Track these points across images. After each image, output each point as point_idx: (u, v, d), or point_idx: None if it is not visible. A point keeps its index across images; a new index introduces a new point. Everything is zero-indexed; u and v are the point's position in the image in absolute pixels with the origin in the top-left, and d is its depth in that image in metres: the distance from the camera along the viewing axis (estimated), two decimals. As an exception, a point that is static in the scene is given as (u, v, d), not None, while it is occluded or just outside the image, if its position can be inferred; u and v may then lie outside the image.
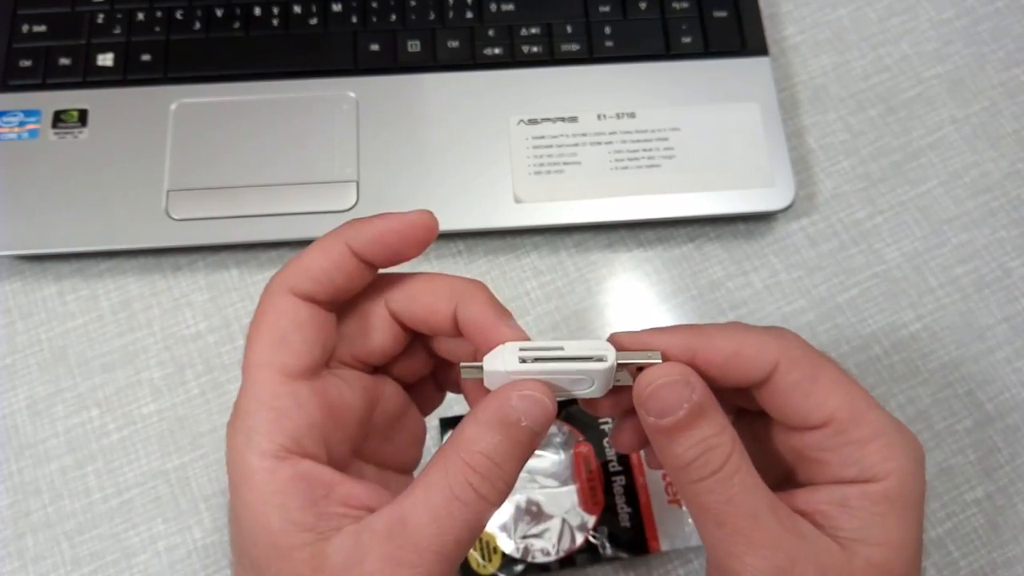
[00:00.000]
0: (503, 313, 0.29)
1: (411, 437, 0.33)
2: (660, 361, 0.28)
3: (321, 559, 0.25)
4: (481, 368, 0.28)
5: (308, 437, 0.26)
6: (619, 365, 0.28)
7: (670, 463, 0.27)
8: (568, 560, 0.42)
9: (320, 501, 0.25)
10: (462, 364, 0.28)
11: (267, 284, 0.28)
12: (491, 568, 0.42)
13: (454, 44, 0.52)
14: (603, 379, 0.28)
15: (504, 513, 0.43)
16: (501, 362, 0.27)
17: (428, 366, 0.33)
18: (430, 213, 0.28)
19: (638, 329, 0.30)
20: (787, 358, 0.28)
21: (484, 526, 0.26)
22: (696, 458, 0.26)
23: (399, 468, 0.33)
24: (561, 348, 0.27)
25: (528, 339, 0.28)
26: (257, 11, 0.53)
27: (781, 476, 0.31)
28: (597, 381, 0.28)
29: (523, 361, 0.27)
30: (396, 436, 0.32)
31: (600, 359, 0.27)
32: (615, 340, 0.28)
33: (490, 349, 0.28)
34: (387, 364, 0.31)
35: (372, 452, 0.31)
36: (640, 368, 0.28)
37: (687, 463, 0.27)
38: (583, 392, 0.28)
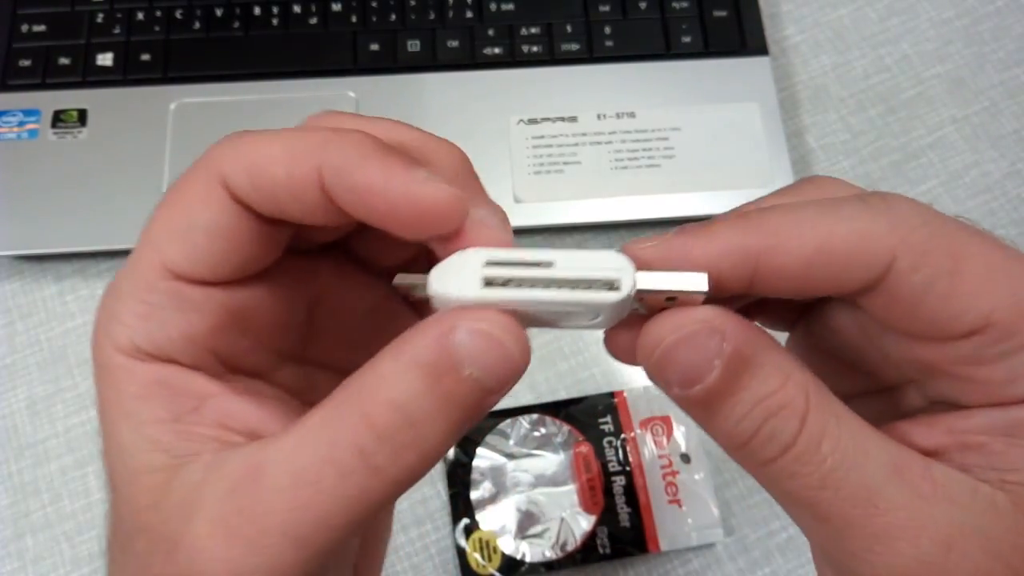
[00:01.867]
0: (455, 179, 0.20)
1: (388, 336, 0.25)
2: (704, 289, 0.19)
3: (163, 492, 0.19)
4: (424, 285, 0.19)
5: (182, 350, 0.20)
6: (639, 293, 0.19)
7: (723, 443, 0.20)
8: (568, 560, 0.42)
9: (185, 416, 0.19)
10: (397, 276, 0.21)
11: (203, 156, 0.20)
12: (491, 568, 0.42)
13: (454, 44, 0.52)
14: (613, 311, 0.19)
15: (504, 513, 0.43)
16: (456, 282, 0.18)
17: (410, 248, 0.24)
18: (458, 197, 0.19)
19: (668, 233, 0.20)
20: (908, 247, 0.18)
21: (382, 508, 0.19)
22: (755, 433, 0.19)
23: None
24: (551, 264, 0.19)
25: (504, 238, 0.19)
26: (257, 11, 0.53)
27: (882, 385, 0.22)
28: (603, 313, 0.19)
29: (489, 284, 0.18)
30: (364, 337, 0.24)
31: (611, 285, 0.19)
32: (635, 253, 0.19)
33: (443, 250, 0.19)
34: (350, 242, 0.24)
35: (326, 355, 0.24)
36: (672, 298, 0.19)
37: (744, 441, 0.19)
38: (581, 324, 0.20)
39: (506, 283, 0.19)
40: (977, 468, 0.19)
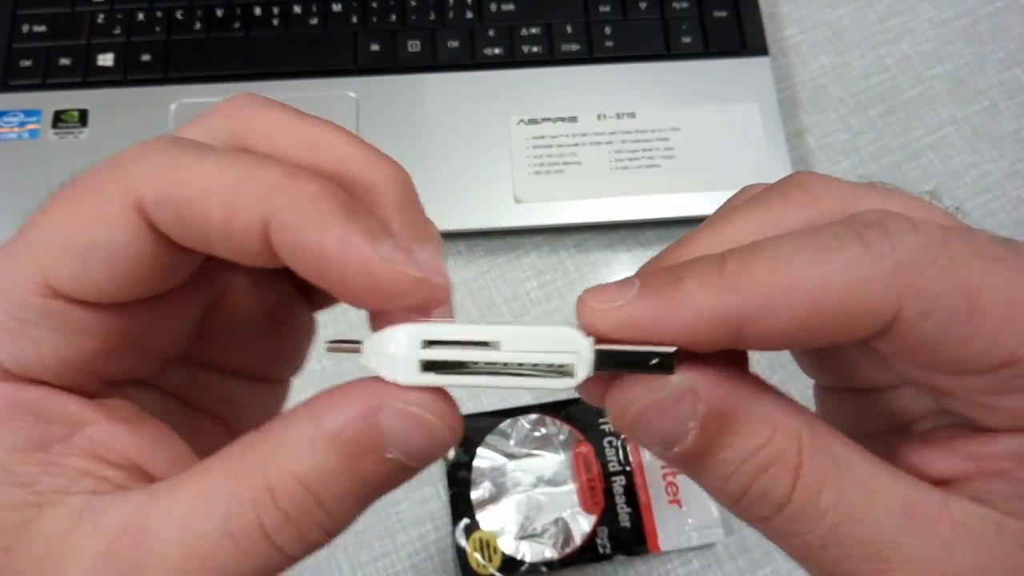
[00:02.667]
0: (404, 230, 0.18)
1: (285, 336, 0.23)
2: (670, 370, 0.17)
3: (20, 535, 0.16)
4: (359, 348, 0.18)
5: (56, 372, 0.18)
6: (600, 365, 0.17)
7: (717, 500, 0.18)
8: (568, 560, 0.42)
9: (52, 445, 0.17)
10: (327, 341, 0.19)
11: (117, 165, 0.18)
12: (491, 568, 0.42)
13: (454, 44, 0.52)
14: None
15: (504, 513, 0.43)
16: (389, 363, 0.17)
17: None
18: (420, 281, 0.17)
19: (631, 287, 0.17)
20: (915, 293, 0.16)
21: None
22: (745, 491, 0.17)
23: (264, 377, 0.24)
24: (497, 344, 0.17)
25: (442, 308, 0.18)
26: (257, 11, 0.53)
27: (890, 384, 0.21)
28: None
29: (428, 369, 0.17)
30: (259, 337, 0.23)
31: (563, 370, 0.17)
32: (594, 323, 0.17)
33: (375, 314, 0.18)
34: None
35: (216, 356, 0.22)
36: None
37: (735, 500, 0.17)
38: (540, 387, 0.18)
39: (446, 366, 0.17)
40: (1001, 497, 0.17)
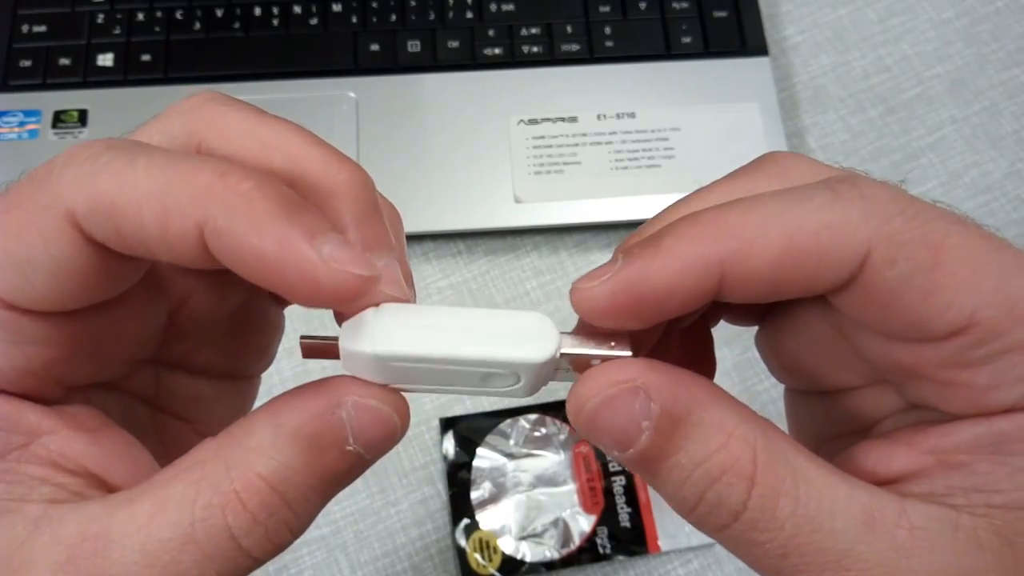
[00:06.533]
0: (364, 227, 0.18)
1: (252, 333, 0.23)
2: (628, 354, 0.18)
3: None
4: (335, 345, 0.18)
5: (13, 381, 0.18)
6: (564, 356, 0.18)
7: (674, 507, 0.18)
8: (568, 560, 0.42)
9: (10, 453, 0.17)
10: (302, 336, 0.18)
11: (42, 177, 0.17)
12: (491, 568, 0.42)
13: (454, 44, 0.52)
14: (533, 376, 0.19)
15: (504, 513, 0.43)
16: (370, 345, 0.17)
17: None
18: (363, 279, 0.16)
19: (615, 259, 0.18)
20: (883, 239, 0.17)
21: None
22: (700, 499, 0.17)
23: (232, 374, 0.23)
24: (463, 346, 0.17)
25: (404, 294, 0.18)
26: (257, 11, 0.53)
27: (857, 383, 0.21)
28: (524, 376, 0.19)
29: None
30: (227, 335, 0.22)
31: (511, 367, 0.18)
32: (583, 296, 0.18)
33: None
34: None
35: (184, 356, 0.22)
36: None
37: (691, 507, 0.17)
38: (499, 390, 0.19)
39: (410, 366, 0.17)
40: (961, 491, 0.17)
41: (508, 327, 0.18)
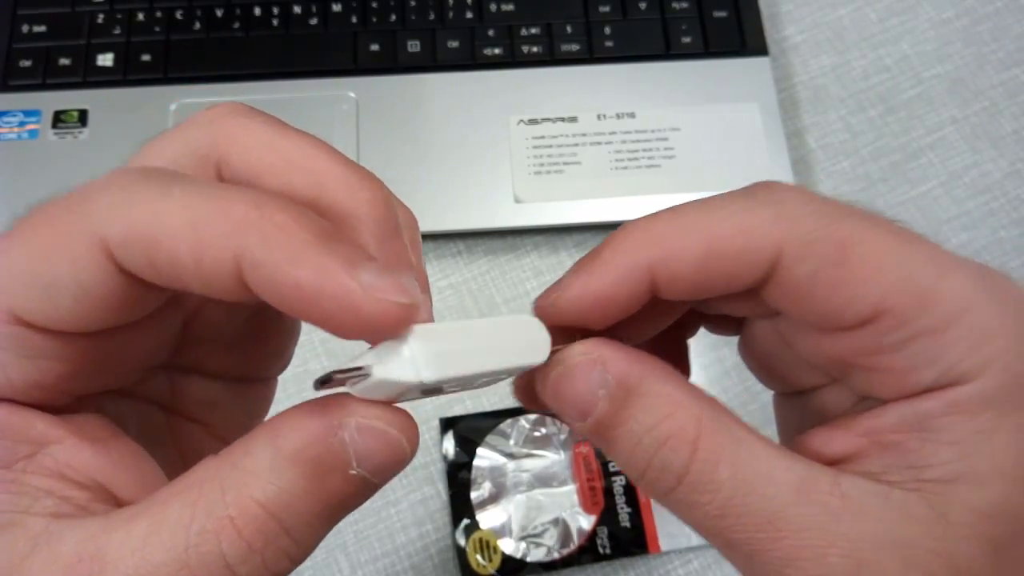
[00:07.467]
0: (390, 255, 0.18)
1: (268, 336, 0.23)
2: (544, 357, 0.19)
3: None
4: (364, 375, 0.17)
5: (24, 393, 0.18)
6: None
7: (627, 473, 0.20)
8: (568, 560, 0.42)
9: (16, 463, 0.17)
10: (334, 371, 0.17)
11: (77, 201, 0.17)
12: (491, 568, 0.42)
13: (454, 44, 0.52)
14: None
15: (504, 513, 0.43)
16: (414, 373, 0.16)
17: None
18: (405, 307, 0.16)
19: (565, 276, 0.20)
20: (793, 238, 0.18)
21: None
22: (648, 463, 0.18)
23: (248, 377, 0.23)
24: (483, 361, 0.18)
25: (429, 316, 0.18)
26: (257, 11, 0.53)
27: (814, 384, 0.22)
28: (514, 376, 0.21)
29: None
30: (242, 340, 0.22)
31: (520, 371, 0.19)
32: (544, 314, 0.20)
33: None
34: None
35: (200, 361, 0.22)
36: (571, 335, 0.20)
37: (641, 472, 0.19)
38: (487, 382, 0.20)
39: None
40: (894, 469, 0.18)
41: (514, 335, 0.19)
